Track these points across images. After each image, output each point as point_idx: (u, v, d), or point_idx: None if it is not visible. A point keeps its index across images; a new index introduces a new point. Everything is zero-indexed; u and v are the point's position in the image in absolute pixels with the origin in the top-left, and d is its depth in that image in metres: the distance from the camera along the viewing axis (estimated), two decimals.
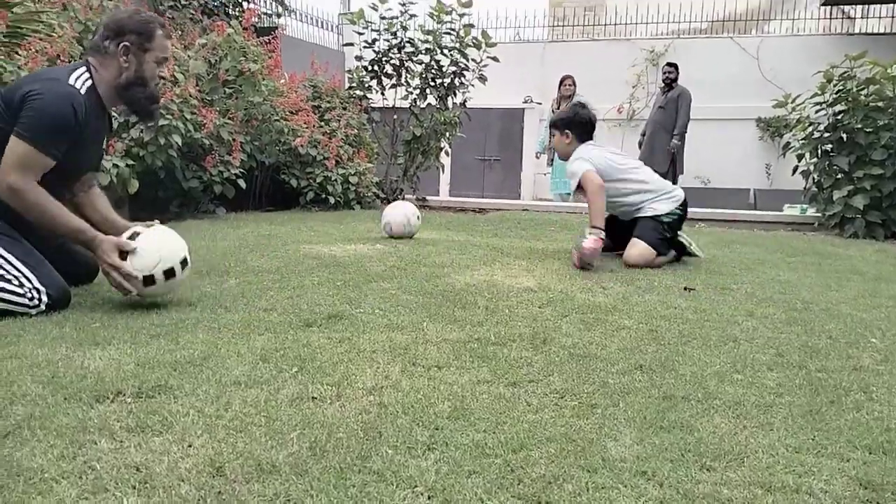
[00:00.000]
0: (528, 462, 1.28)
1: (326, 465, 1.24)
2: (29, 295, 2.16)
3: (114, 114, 4.19)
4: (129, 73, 2.35)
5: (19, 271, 2.17)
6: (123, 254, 2.26)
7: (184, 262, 2.34)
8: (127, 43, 2.32)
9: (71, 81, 2.27)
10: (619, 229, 3.56)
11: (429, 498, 1.15)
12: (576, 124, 3.65)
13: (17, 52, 3.97)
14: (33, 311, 2.17)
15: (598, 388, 1.68)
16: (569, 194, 8.06)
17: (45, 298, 2.18)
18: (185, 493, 1.12)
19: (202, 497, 1.12)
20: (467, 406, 1.53)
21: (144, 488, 1.15)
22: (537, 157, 8.87)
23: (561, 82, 7.94)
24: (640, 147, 8.25)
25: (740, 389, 1.71)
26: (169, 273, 2.29)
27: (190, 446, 1.30)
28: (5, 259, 2.18)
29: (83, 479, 1.17)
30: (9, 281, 2.15)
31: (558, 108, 7.97)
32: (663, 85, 8.03)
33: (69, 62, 4.18)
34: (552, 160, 8.03)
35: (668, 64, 8.09)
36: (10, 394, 1.51)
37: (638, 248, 3.40)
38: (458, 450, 1.32)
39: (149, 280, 2.27)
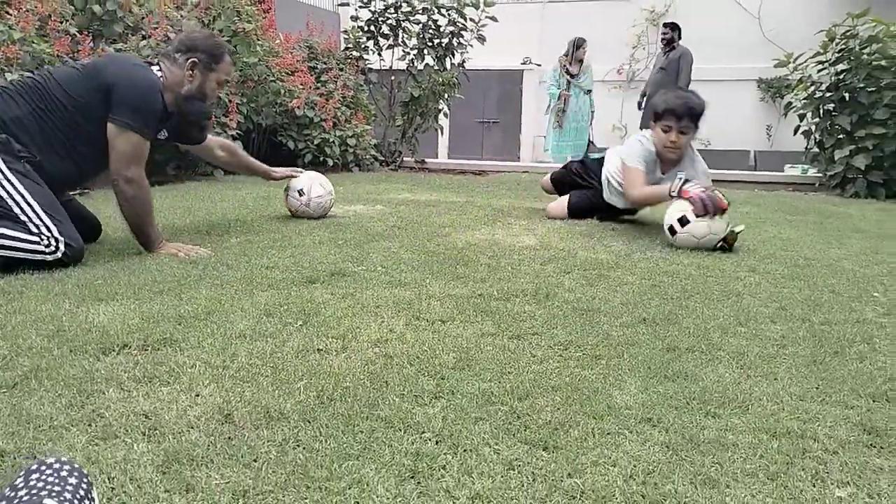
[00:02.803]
0: (533, 409, 1.29)
1: (334, 413, 1.24)
2: (45, 242, 2.18)
3: None
4: (192, 86, 2.49)
5: (41, 219, 2.19)
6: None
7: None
8: (195, 59, 2.47)
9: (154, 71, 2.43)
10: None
11: (437, 443, 1.15)
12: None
13: (7, 12, 3.90)
14: (49, 258, 2.18)
15: (601, 341, 1.69)
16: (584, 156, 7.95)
17: (63, 248, 2.20)
18: (195, 439, 1.13)
19: (212, 442, 1.12)
20: (472, 357, 1.54)
21: (154, 434, 1.15)
22: (550, 108, 8.36)
23: (579, 45, 7.79)
24: (639, 108, 8.18)
25: (744, 341, 1.72)
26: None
27: (198, 395, 1.30)
28: (29, 204, 2.19)
29: (93, 427, 1.17)
30: (27, 228, 2.17)
31: (568, 71, 7.82)
32: (663, 45, 7.91)
33: (60, 23, 4.11)
34: (560, 123, 7.90)
35: (665, 24, 7.94)
36: (16, 346, 1.51)
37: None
38: (464, 398, 1.33)
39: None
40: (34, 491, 0.85)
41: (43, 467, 0.89)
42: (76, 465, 0.91)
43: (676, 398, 1.36)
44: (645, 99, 8.01)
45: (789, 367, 1.56)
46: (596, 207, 3.48)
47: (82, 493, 0.87)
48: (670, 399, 1.36)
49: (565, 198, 3.58)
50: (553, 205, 3.61)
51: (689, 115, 3.02)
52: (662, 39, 7.82)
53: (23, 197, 2.18)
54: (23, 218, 2.17)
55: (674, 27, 7.77)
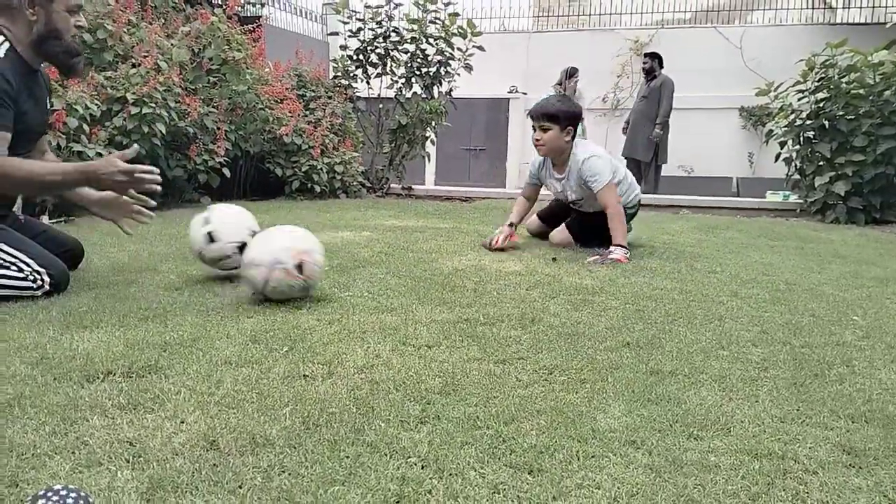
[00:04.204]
0: (519, 433, 1.30)
1: (320, 438, 1.25)
2: (31, 277, 2.15)
3: (94, 101, 4.17)
4: (39, 26, 2.21)
5: (15, 257, 2.16)
6: None
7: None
8: None
9: None
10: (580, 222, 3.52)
11: (422, 467, 1.16)
12: (576, 119, 3.39)
13: None
14: (39, 293, 2.16)
15: (586, 365, 1.70)
16: None
17: (47, 279, 2.18)
18: (179, 466, 1.13)
19: (197, 469, 1.12)
20: (458, 382, 1.55)
21: (138, 462, 1.15)
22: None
23: (571, 75, 8.01)
24: (624, 134, 8.31)
25: (726, 364, 1.74)
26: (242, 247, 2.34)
27: (183, 422, 1.30)
28: (2, 251, 2.16)
29: (76, 454, 1.17)
30: (7, 268, 2.14)
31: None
32: (644, 74, 8.07)
33: None
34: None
35: (646, 54, 8.09)
36: None
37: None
38: (450, 422, 1.33)
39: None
40: None
41: (50, 493, 0.90)
42: (83, 493, 0.92)
43: (660, 421, 1.38)
44: (629, 127, 8.14)
45: (770, 389, 1.58)
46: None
47: None
48: (654, 422, 1.37)
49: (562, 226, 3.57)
50: (556, 232, 3.60)
51: (541, 113, 3.35)
52: (643, 69, 7.99)
53: None
54: None
55: (654, 56, 7.93)
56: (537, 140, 3.38)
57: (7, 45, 2.20)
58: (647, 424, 1.36)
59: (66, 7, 2.25)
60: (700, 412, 1.42)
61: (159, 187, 2.21)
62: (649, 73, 7.87)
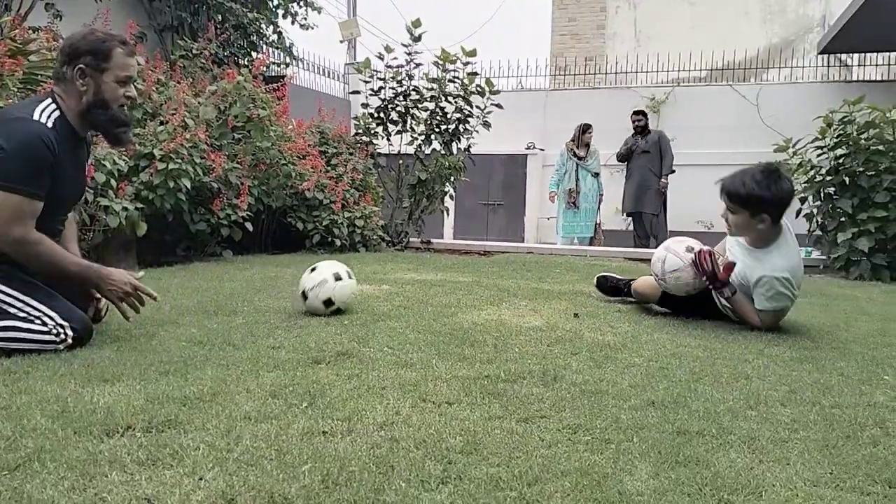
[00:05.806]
0: (543, 495, 1.26)
1: (339, 498, 1.22)
2: (55, 331, 2.17)
3: (122, 157, 4.28)
4: (88, 96, 2.27)
5: (40, 311, 2.18)
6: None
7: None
8: (82, 65, 2.25)
9: (36, 116, 2.20)
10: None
11: None
12: (780, 206, 2.85)
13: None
14: (61, 347, 2.18)
15: (610, 424, 1.66)
16: (591, 237, 8.24)
17: (70, 332, 2.19)
18: None
19: None
20: (479, 441, 1.52)
21: None
22: (552, 200, 8.74)
23: (585, 130, 8.38)
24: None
25: (755, 425, 1.70)
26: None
27: (201, 479, 1.28)
28: (23, 301, 2.19)
29: None
30: (31, 321, 2.16)
31: (575, 154, 8.24)
32: (634, 133, 8.39)
33: None
34: (575, 202, 8.26)
35: (636, 112, 8.58)
36: (20, 427, 1.50)
37: None
38: (472, 483, 1.30)
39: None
40: None
41: None
42: None
43: (688, 484, 1.34)
44: (632, 183, 8.38)
45: (801, 451, 1.53)
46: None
47: None
48: (682, 485, 1.33)
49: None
50: (642, 281, 3.31)
51: (726, 194, 2.91)
52: (637, 126, 8.40)
53: (15, 298, 2.18)
54: (22, 315, 2.17)
55: (645, 115, 8.50)
56: (724, 219, 2.98)
57: (57, 113, 2.27)
58: (675, 487, 1.32)
59: (115, 79, 2.30)
60: (730, 475, 1.38)
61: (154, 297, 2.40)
62: (644, 129, 8.30)
